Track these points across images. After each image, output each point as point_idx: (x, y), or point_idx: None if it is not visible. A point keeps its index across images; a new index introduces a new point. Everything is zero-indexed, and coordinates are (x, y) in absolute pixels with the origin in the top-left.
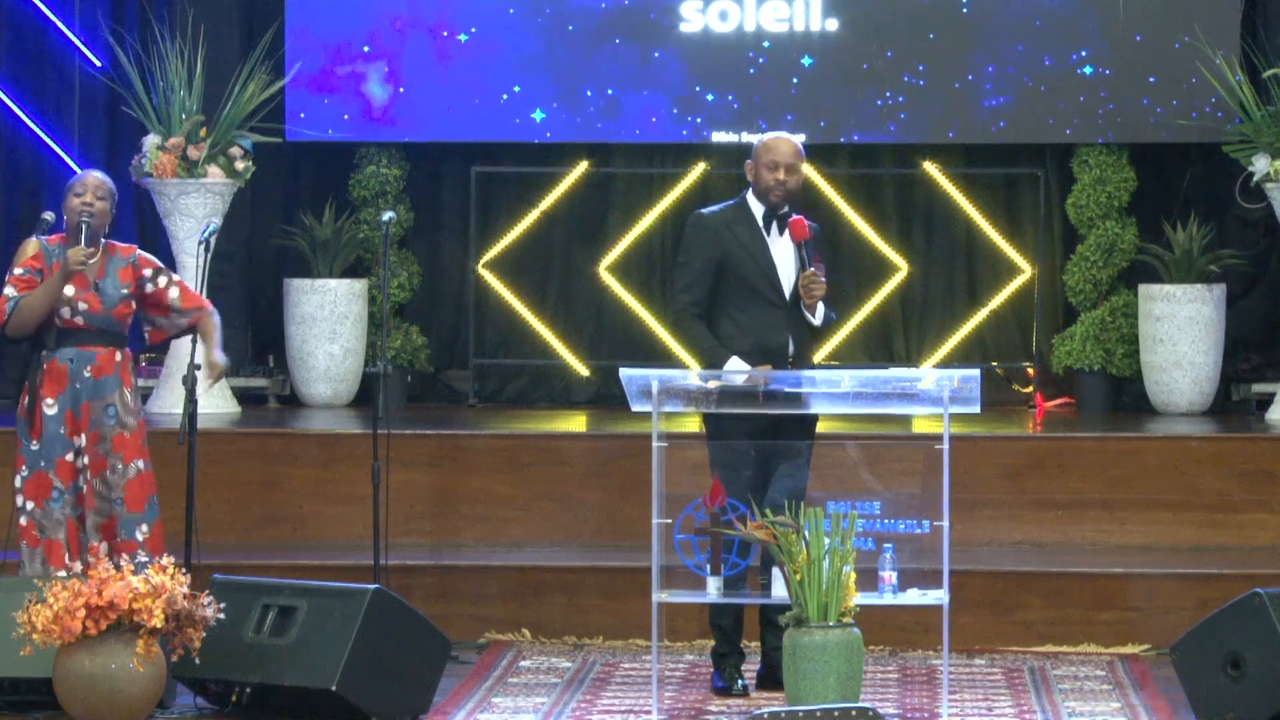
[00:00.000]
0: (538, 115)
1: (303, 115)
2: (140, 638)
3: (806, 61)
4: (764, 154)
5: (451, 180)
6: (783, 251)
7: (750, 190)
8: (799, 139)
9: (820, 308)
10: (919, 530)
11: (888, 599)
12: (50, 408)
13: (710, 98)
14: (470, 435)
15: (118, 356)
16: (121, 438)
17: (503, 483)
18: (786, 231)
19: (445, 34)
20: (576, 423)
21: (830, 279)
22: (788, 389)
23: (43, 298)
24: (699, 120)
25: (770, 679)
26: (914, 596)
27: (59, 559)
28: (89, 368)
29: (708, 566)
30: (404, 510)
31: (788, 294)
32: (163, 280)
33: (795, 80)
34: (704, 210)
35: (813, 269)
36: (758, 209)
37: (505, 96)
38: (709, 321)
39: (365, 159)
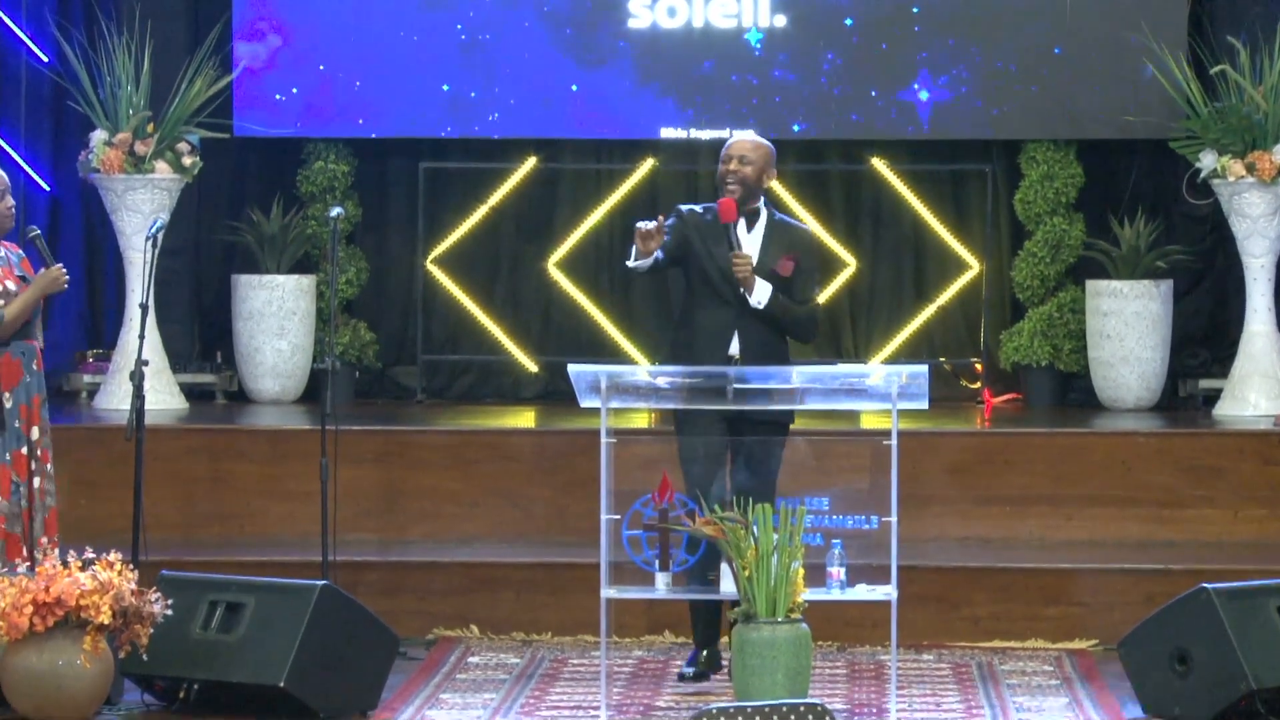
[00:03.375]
0: (485, 111)
1: (255, 116)
2: (87, 634)
3: (754, 58)
4: (721, 153)
5: (399, 176)
6: (752, 250)
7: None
8: (763, 139)
9: (764, 289)
10: (867, 526)
11: (836, 594)
12: (8, 401)
13: (658, 94)
14: (418, 431)
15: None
16: (51, 431)
17: (451, 479)
18: (753, 230)
19: (393, 30)
20: (525, 419)
21: (802, 276)
22: (738, 386)
23: (25, 312)
24: (647, 116)
25: None
26: (862, 592)
27: (17, 552)
28: (33, 361)
29: (656, 562)
30: (352, 506)
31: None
32: None
33: (743, 76)
34: (685, 206)
35: (735, 251)
36: None
37: (453, 92)
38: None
39: (313, 154)
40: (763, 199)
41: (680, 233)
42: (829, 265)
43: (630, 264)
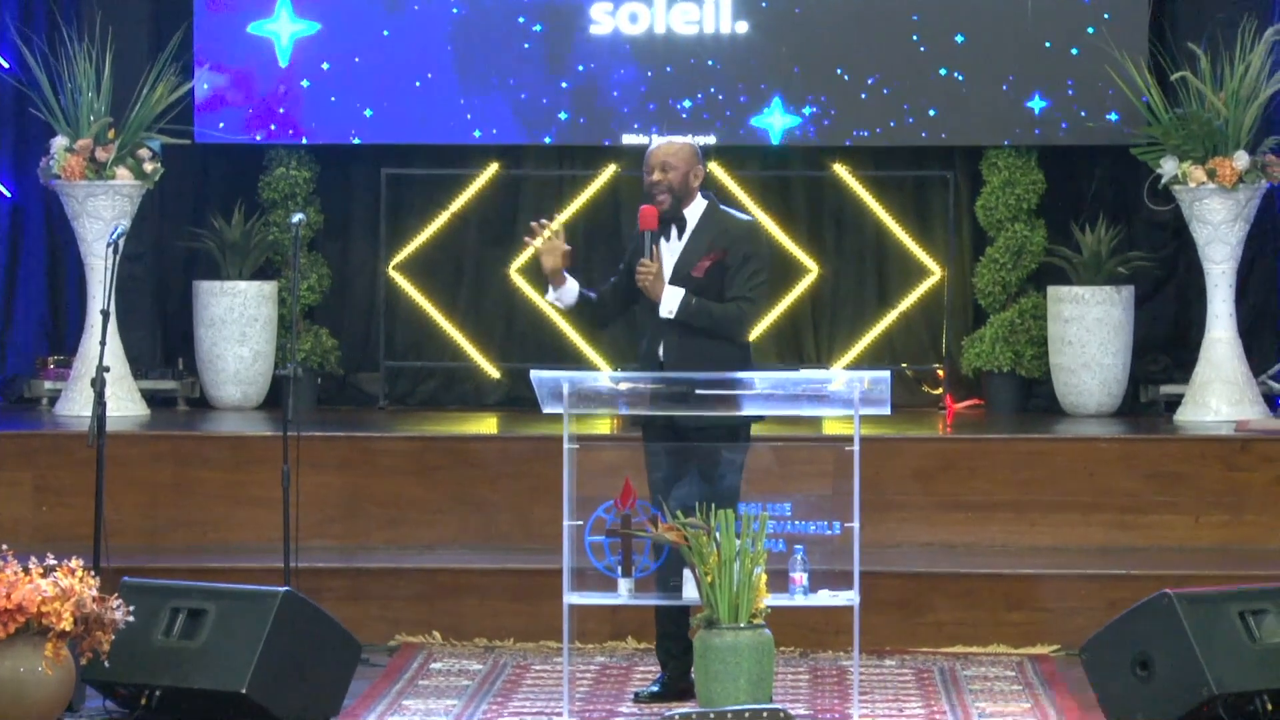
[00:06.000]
0: (447, 117)
1: (217, 121)
2: (49, 641)
3: (716, 64)
4: (644, 163)
5: (361, 182)
6: (672, 256)
7: None
8: (682, 139)
9: (673, 297)
10: (829, 532)
11: (799, 600)
12: None
13: (620, 100)
14: (380, 438)
15: None
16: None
17: (413, 485)
18: (683, 235)
19: (354, 34)
20: (487, 425)
21: (730, 271)
22: (698, 392)
23: None
24: (609, 122)
25: None
26: (825, 598)
27: None
28: None
29: (619, 568)
30: (314, 513)
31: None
32: None
33: (705, 82)
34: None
35: (644, 259)
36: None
37: (415, 98)
38: None
39: (275, 161)
40: (699, 196)
41: (631, 252)
42: (768, 255)
43: (548, 297)
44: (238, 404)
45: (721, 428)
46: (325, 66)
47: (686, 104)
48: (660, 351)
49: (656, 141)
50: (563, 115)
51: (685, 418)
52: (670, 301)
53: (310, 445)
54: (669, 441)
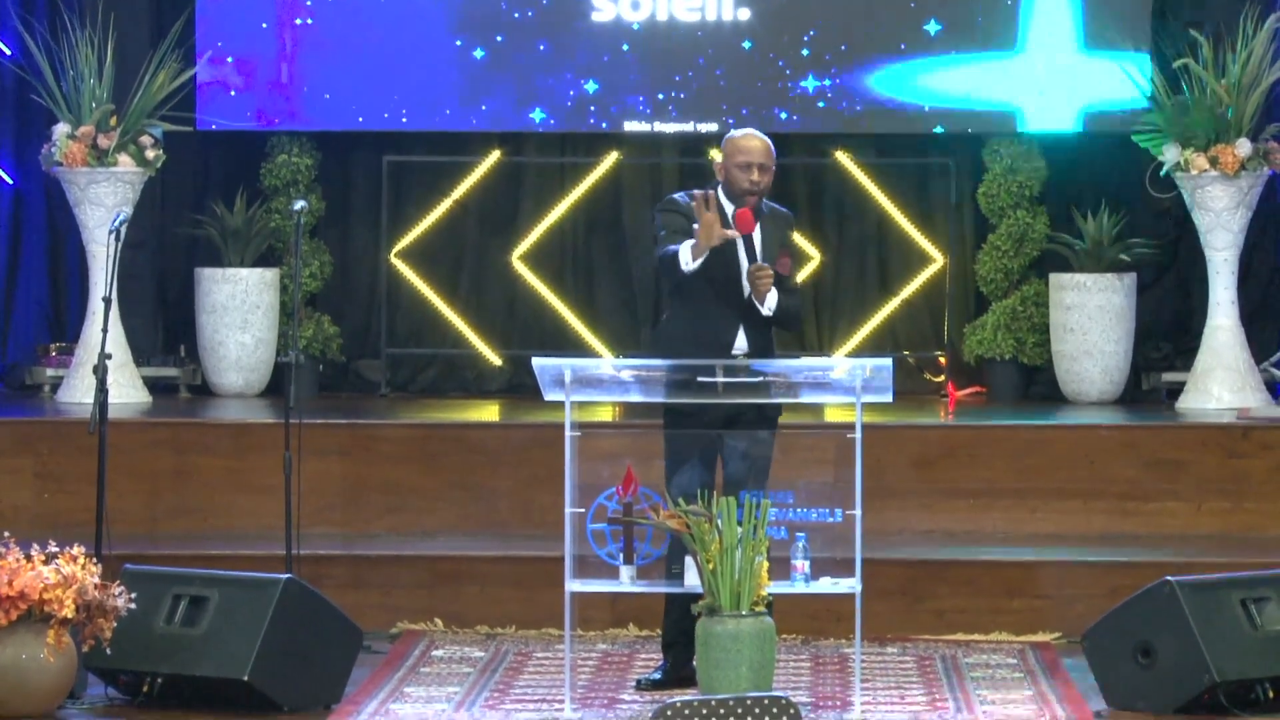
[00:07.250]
0: (449, 104)
1: (219, 108)
2: (51, 628)
3: (718, 51)
4: (736, 154)
5: (363, 169)
6: (741, 251)
7: (721, 186)
8: (765, 136)
9: (773, 296)
10: (831, 519)
11: (800, 588)
12: None
13: (622, 87)
14: (382, 425)
15: None
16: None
17: (415, 472)
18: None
19: (357, 22)
20: (489, 412)
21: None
22: (701, 379)
23: None
24: (611, 109)
25: None
26: (826, 585)
27: None
28: None
29: (620, 556)
30: (316, 500)
31: (746, 290)
32: None
33: (707, 69)
34: (676, 195)
35: (756, 263)
36: (728, 206)
37: (417, 85)
38: (669, 315)
39: (276, 148)
40: None
41: (684, 220)
42: None
43: (687, 268)
44: (239, 391)
45: (765, 416)
46: (327, 53)
47: (688, 91)
48: (738, 340)
49: (753, 135)
50: (565, 102)
51: (733, 406)
52: (772, 301)
53: (312, 432)
54: (701, 429)
